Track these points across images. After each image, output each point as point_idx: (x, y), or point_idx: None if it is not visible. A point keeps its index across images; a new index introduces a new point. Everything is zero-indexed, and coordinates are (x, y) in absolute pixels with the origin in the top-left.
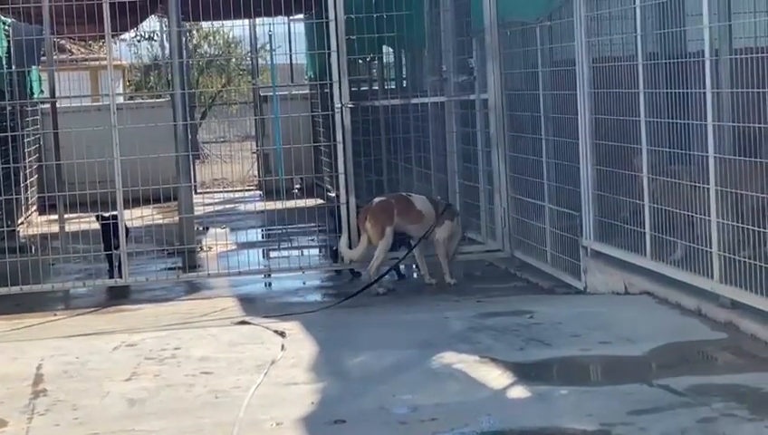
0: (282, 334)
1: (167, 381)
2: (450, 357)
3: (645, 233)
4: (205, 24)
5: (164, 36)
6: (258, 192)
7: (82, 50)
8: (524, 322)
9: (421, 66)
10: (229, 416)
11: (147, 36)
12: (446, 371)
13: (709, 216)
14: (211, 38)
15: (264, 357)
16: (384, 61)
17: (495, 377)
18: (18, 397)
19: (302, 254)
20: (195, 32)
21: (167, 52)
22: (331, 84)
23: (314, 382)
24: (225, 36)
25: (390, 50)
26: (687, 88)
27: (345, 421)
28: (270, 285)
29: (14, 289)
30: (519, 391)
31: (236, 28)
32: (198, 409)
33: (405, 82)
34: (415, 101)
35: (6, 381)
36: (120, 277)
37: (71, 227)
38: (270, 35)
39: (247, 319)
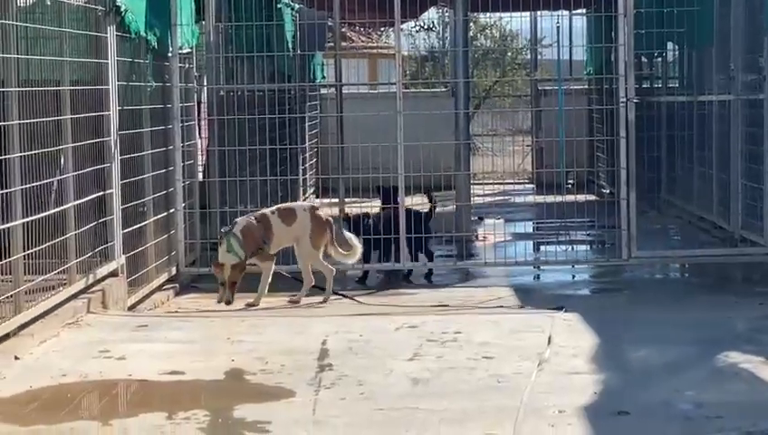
0: (561, 324)
1: (449, 364)
2: (734, 356)
3: None
4: (481, 17)
5: (441, 27)
6: (531, 185)
7: (362, 38)
8: None
9: (707, 63)
10: (511, 401)
11: (426, 26)
12: (731, 369)
13: None
14: (488, 31)
15: (545, 345)
16: (667, 57)
17: None
18: (305, 369)
19: (572, 248)
20: (472, 24)
21: (444, 42)
22: (616, 79)
23: (595, 373)
24: (502, 29)
25: (675, 46)
26: None
27: (629, 413)
28: (539, 277)
29: (294, 267)
30: None
31: (513, 21)
32: (480, 391)
33: (686, 79)
34: (702, 98)
35: (293, 354)
36: (398, 262)
37: (350, 210)
38: (558, 27)
39: (527, 308)
